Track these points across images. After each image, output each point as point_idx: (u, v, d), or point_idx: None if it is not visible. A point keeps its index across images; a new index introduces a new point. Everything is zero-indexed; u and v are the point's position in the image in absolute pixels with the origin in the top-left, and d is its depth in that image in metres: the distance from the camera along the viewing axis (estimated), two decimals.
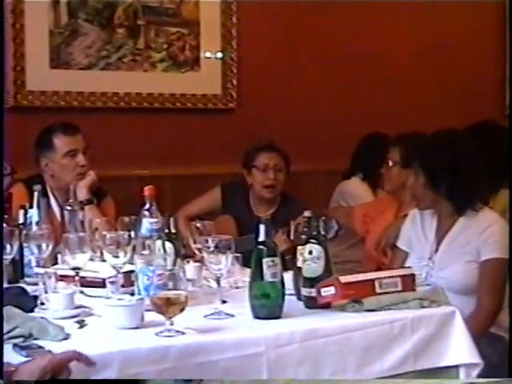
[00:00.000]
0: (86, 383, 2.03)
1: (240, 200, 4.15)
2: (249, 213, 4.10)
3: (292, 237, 3.16)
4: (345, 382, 2.40)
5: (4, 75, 4.12)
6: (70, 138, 3.68)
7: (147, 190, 2.76)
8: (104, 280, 2.63)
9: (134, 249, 2.59)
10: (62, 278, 2.65)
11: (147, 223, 2.71)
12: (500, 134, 4.00)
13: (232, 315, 2.45)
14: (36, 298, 2.51)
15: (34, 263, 2.79)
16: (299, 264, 2.60)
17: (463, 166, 3.10)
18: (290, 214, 3.71)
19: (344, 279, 2.51)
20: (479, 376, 2.53)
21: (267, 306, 2.43)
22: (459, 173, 3.09)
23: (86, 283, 2.68)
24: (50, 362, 1.88)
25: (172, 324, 2.24)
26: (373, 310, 2.51)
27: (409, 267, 2.86)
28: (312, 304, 2.55)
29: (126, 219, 2.97)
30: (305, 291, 2.58)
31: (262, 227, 2.46)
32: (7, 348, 2.08)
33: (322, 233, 2.59)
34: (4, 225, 2.79)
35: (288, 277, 2.60)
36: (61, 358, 1.92)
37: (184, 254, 2.83)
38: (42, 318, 2.29)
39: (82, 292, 2.62)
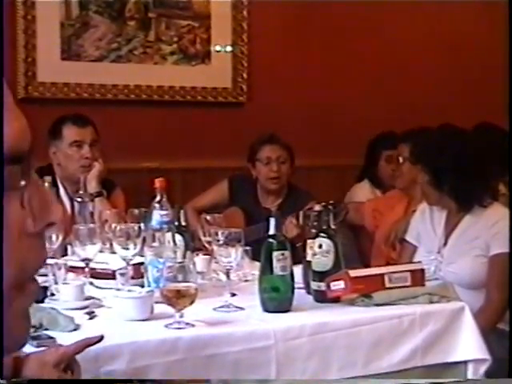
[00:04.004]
0: (85, 383, 2.03)
1: (247, 192, 4.17)
2: (256, 205, 4.12)
3: (301, 222, 3.17)
4: (345, 381, 2.40)
5: (3, 71, 4.11)
6: (78, 129, 3.71)
7: (158, 182, 2.76)
8: (114, 272, 2.63)
9: (143, 241, 2.60)
10: (72, 269, 2.65)
11: (157, 215, 2.71)
12: (502, 133, 4.02)
13: (241, 308, 2.45)
14: (46, 288, 2.52)
15: None
16: (309, 258, 2.61)
17: (467, 165, 3.10)
18: (296, 205, 3.73)
19: (353, 273, 2.52)
20: (487, 372, 2.53)
21: (277, 299, 2.44)
22: (462, 172, 3.09)
23: (96, 275, 2.69)
24: (65, 353, 1.88)
25: (182, 316, 2.24)
26: (382, 305, 2.51)
27: (418, 262, 2.86)
28: (321, 298, 2.55)
29: (136, 211, 2.98)
30: (314, 285, 2.58)
31: (272, 220, 2.46)
32: None
33: (332, 225, 2.59)
34: None
35: (298, 270, 2.60)
36: (72, 348, 1.92)
37: (194, 246, 2.83)
38: (52, 308, 2.30)
39: (91, 283, 2.63)
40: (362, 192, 4.53)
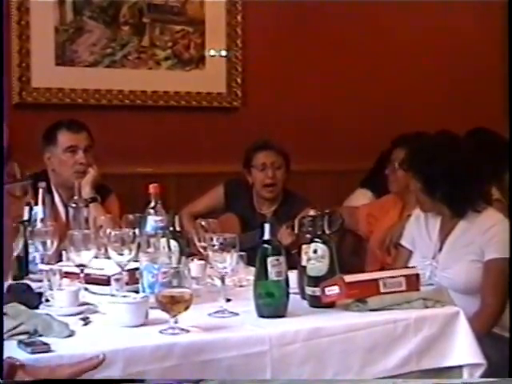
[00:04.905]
0: (84, 383, 2.03)
1: (243, 198, 4.17)
2: (252, 210, 4.13)
3: (296, 230, 3.17)
4: (344, 382, 2.40)
5: (3, 77, 4.12)
6: (72, 135, 3.72)
7: (152, 188, 2.76)
8: (109, 277, 2.63)
9: (138, 246, 2.59)
10: (67, 274, 2.65)
11: (152, 221, 2.71)
12: (496, 138, 4.02)
13: (236, 313, 2.45)
14: (41, 294, 2.52)
15: (38, 260, 2.80)
16: (304, 263, 2.61)
17: (459, 171, 3.10)
18: (292, 211, 3.73)
19: (348, 278, 2.51)
20: (482, 377, 2.53)
21: (272, 304, 2.43)
22: (454, 178, 3.09)
23: (91, 280, 2.68)
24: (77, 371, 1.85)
25: (176, 322, 2.24)
26: (377, 310, 2.51)
27: (413, 267, 2.86)
28: (316, 303, 2.55)
29: (131, 217, 2.98)
30: (309, 290, 2.58)
31: (266, 226, 2.46)
32: (12, 345, 2.08)
33: (327, 232, 2.59)
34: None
35: (293, 276, 2.60)
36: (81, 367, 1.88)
37: (188, 251, 2.83)
38: (47, 314, 2.29)
39: (86, 289, 2.62)
40: (364, 200, 4.48)
